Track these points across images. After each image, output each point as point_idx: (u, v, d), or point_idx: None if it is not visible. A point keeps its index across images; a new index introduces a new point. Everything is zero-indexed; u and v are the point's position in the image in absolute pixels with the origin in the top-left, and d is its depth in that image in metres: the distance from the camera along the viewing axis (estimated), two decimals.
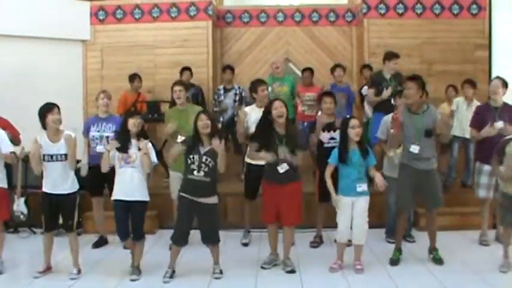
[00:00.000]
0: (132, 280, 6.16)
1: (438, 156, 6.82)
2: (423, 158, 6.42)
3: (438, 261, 6.56)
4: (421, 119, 6.40)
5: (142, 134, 6.28)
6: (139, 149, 6.14)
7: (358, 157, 6.22)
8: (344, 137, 6.29)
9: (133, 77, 9.56)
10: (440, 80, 9.55)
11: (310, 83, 9.59)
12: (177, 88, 7.38)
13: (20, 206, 8.23)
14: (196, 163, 5.99)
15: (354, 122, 6.26)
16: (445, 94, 9.21)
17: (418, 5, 10.17)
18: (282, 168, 6.13)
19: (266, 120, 6.25)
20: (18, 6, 9.79)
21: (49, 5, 10.07)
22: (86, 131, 7.47)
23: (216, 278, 6.15)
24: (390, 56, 8.49)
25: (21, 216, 8.23)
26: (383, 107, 8.25)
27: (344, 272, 6.31)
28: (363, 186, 6.24)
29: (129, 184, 6.16)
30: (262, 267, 6.38)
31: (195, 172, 5.99)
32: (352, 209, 6.29)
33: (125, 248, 6.66)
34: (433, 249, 6.67)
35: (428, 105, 6.57)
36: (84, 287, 6.06)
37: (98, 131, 7.37)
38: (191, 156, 6.02)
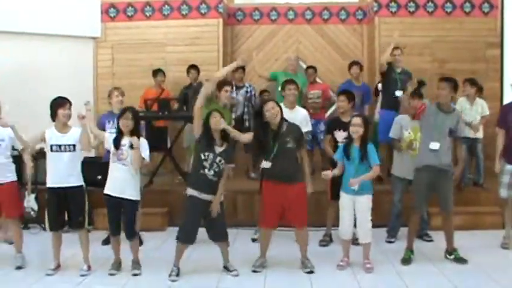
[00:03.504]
0: (135, 275, 6.21)
1: None
2: (443, 158, 6.41)
3: (461, 260, 6.54)
4: (448, 119, 6.41)
5: (136, 131, 6.24)
6: (131, 147, 6.11)
7: (357, 155, 6.22)
8: (349, 133, 6.34)
9: (156, 72, 9.60)
10: None
11: (314, 80, 9.58)
12: (227, 88, 7.40)
13: (30, 202, 8.28)
14: (209, 161, 6.00)
15: (354, 120, 6.31)
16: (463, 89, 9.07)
17: (430, 3, 10.13)
18: (267, 164, 6.16)
19: (260, 120, 6.25)
20: (30, 4, 9.86)
21: (60, 2, 10.14)
22: (102, 126, 7.49)
23: (234, 276, 6.16)
24: (394, 47, 8.68)
25: (32, 213, 8.29)
26: (390, 104, 8.24)
27: (353, 270, 6.30)
28: (355, 186, 6.21)
29: (120, 181, 6.16)
30: (254, 271, 6.31)
31: (206, 170, 6.00)
32: (355, 208, 6.30)
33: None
34: (452, 250, 6.64)
35: (455, 107, 6.57)
36: (94, 283, 6.07)
37: (115, 128, 7.38)
38: (206, 153, 6.02)
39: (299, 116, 7.14)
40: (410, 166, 6.88)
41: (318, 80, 9.86)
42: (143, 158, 6.20)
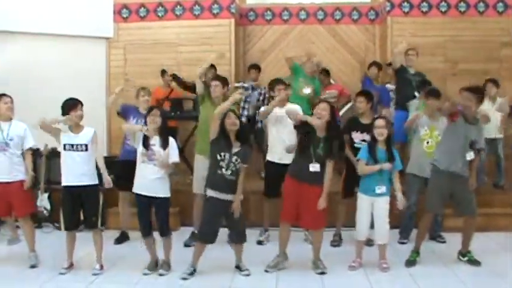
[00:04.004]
0: (161, 274, 6.23)
1: None
2: (462, 165, 6.39)
3: (475, 262, 6.51)
4: (473, 129, 6.37)
5: (165, 131, 6.29)
6: (162, 147, 6.15)
7: (383, 158, 6.20)
8: (372, 135, 6.32)
9: (164, 72, 9.63)
10: (464, 79, 9.43)
11: (328, 83, 9.54)
12: (213, 83, 7.37)
13: (43, 201, 8.34)
14: (226, 161, 6.02)
15: (378, 122, 6.32)
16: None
17: (443, 3, 10.06)
18: (314, 167, 6.09)
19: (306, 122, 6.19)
20: (43, 5, 9.92)
21: (73, 3, 10.16)
22: (124, 113, 7.49)
23: (246, 275, 6.19)
24: (408, 48, 8.78)
25: (45, 212, 8.35)
26: (403, 105, 8.22)
27: (366, 271, 6.29)
28: (382, 188, 6.24)
29: (151, 180, 6.18)
30: (266, 271, 6.32)
31: (223, 170, 6.02)
32: (372, 210, 6.29)
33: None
34: (466, 252, 6.60)
35: (478, 117, 6.51)
36: (107, 282, 6.10)
37: None
38: (222, 154, 6.03)
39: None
40: (427, 163, 6.85)
41: (332, 81, 9.78)
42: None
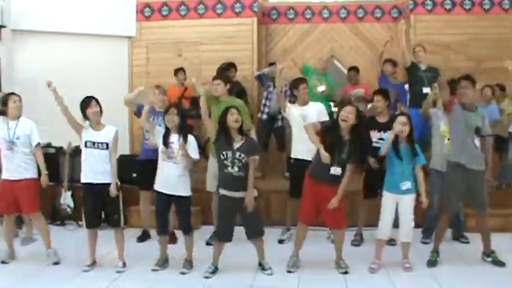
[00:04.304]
0: (182, 273, 6.25)
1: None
2: (473, 156, 6.31)
3: (499, 263, 6.44)
4: (473, 116, 6.32)
5: (184, 129, 6.31)
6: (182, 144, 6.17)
7: (406, 155, 6.16)
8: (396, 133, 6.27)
9: (177, 71, 9.65)
10: (488, 78, 9.37)
11: (356, 81, 9.49)
12: (215, 82, 7.40)
13: (66, 199, 8.40)
14: (230, 159, 6.01)
15: (400, 119, 6.26)
16: (481, 95, 8.91)
17: (467, 0, 9.98)
18: (335, 171, 6.05)
19: (334, 124, 6.17)
20: (66, 4, 10.00)
21: (96, 2, 10.24)
22: (140, 113, 7.54)
23: (268, 275, 6.18)
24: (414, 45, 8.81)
25: (68, 210, 8.41)
26: (417, 102, 8.15)
27: (388, 271, 6.25)
28: (407, 185, 6.18)
29: (171, 179, 6.22)
30: (288, 272, 6.28)
31: (229, 168, 6.01)
32: (398, 207, 6.25)
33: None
34: (490, 252, 6.52)
35: (476, 105, 6.52)
36: (129, 280, 6.14)
37: (159, 125, 7.41)
38: (224, 152, 6.03)
39: (315, 110, 7.16)
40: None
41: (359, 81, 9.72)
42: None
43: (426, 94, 7.92)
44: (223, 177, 6.11)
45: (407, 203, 6.23)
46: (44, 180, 6.73)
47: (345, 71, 10.24)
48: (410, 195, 6.23)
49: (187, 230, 6.35)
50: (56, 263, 6.62)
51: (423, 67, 8.55)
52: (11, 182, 6.60)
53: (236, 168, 6.00)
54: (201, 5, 10.43)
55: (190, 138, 6.29)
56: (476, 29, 9.96)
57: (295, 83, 7.42)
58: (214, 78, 7.49)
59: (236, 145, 6.05)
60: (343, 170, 6.05)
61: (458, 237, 7.44)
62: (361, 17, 10.75)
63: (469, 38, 9.96)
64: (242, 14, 10.34)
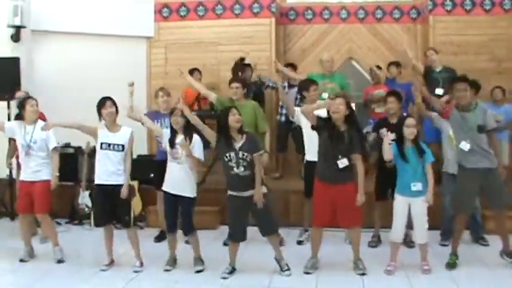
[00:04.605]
0: (198, 271, 6.28)
1: None
2: (481, 155, 6.25)
3: None
4: (472, 116, 6.27)
5: (189, 129, 6.30)
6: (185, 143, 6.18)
7: (413, 156, 6.13)
8: (399, 135, 6.23)
9: (192, 71, 9.64)
10: (509, 78, 9.30)
11: (377, 81, 9.43)
12: (234, 85, 7.42)
13: (84, 199, 8.44)
14: (234, 160, 6.00)
15: (409, 121, 6.21)
16: (491, 96, 8.89)
17: (487, 1, 9.89)
18: (342, 163, 6.04)
19: (328, 119, 6.18)
20: (84, 5, 10.06)
21: (115, 3, 10.29)
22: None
23: (287, 276, 6.14)
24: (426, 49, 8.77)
25: (86, 209, 8.45)
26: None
27: (407, 273, 6.19)
28: (417, 186, 6.14)
29: (176, 179, 6.28)
30: (306, 273, 6.25)
31: (235, 169, 6.00)
32: (411, 210, 6.21)
33: (186, 242, 6.77)
34: (510, 253, 6.43)
35: (476, 101, 6.46)
36: (147, 279, 6.16)
37: (166, 127, 7.43)
38: (227, 154, 6.02)
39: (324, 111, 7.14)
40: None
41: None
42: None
43: (439, 95, 7.90)
44: (229, 179, 6.10)
45: (419, 205, 6.17)
46: (54, 182, 6.79)
47: (363, 72, 10.20)
48: (422, 197, 6.17)
49: (189, 231, 6.38)
50: (60, 261, 6.68)
51: (438, 69, 8.51)
52: (28, 183, 6.71)
53: (242, 168, 5.99)
54: (219, 6, 10.44)
55: (196, 138, 6.30)
56: (497, 30, 9.86)
57: (305, 85, 7.37)
58: (233, 81, 7.49)
59: (238, 145, 6.03)
60: (350, 161, 6.05)
61: (478, 239, 7.37)
62: (379, 18, 10.69)
63: (489, 39, 9.87)
64: (260, 14, 10.34)
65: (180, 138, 6.24)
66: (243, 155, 6.00)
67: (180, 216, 6.36)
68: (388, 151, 6.18)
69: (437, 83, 8.37)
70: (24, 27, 9.30)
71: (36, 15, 9.58)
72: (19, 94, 7.84)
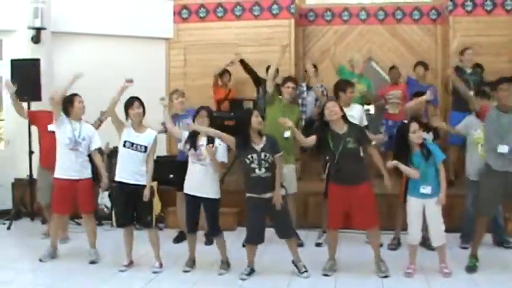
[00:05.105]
0: (220, 274, 6.27)
1: None
2: (510, 159, 6.18)
3: None
4: (510, 118, 6.19)
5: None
6: (208, 144, 6.16)
7: (421, 159, 6.07)
8: (402, 141, 6.19)
9: (222, 73, 9.68)
10: None
11: (396, 81, 9.39)
12: (290, 85, 7.41)
13: (104, 199, 8.48)
14: (256, 161, 5.99)
15: (414, 126, 6.11)
16: None
17: (508, 1, 9.80)
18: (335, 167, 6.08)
19: (323, 126, 6.21)
20: (104, 6, 10.12)
21: (134, 4, 10.34)
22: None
23: (305, 278, 6.12)
24: (464, 48, 8.62)
25: (105, 209, 8.49)
26: (461, 106, 8.03)
27: (426, 276, 6.13)
28: (427, 189, 6.06)
29: (200, 181, 6.24)
30: (324, 275, 6.21)
31: (257, 170, 5.99)
32: (425, 212, 6.14)
33: (206, 243, 6.78)
34: None
35: None
36: (166, 280, 6.17)
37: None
38: (249, 156, 6.00)
39: (358, 112, 7.15)
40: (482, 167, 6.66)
41: (401, 80, 9.60)
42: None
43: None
44: (250, 181, 6.08)
45: (432, 207, 6.10)
46: (105, 182, 6.94)
47: (383, 73, 10.16)
48: (435, 198, 6.09)
49: (216, 233, 6.35)
50: (93, 262, 6.70)
51: (468, 70, 8.45)
52: (71, 182, 6.69)
53: (263, 170, 5.98)
54: (238, 7, 10.46)
55: (218, 141, 6.28)
56: None
57: (343, 86, 7.31)
58: (288, 80, 7.49)
59: (259, 146, 6.04)
60: (359, 158, 6.12)
61: (501, 242, 7.28)
62: (399, 19, 10.64)
63: (510, 40, 9.80)
64: (279, 15, 10.34)
65: (203, 139, 6.23)
66: (265, 156, 6.00)
67: (206, 219, 6.35)
68: (411, 171, 6.12)
69: (468, 84, 8.29)
70: (44, 29, 9.36)
71: (56, 17, 9.63)
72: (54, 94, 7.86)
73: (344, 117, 6.16)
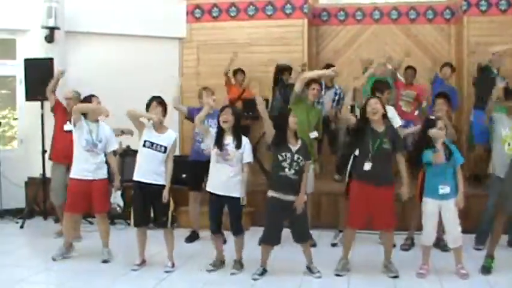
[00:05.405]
0: (232, 274, 6.26)
1: None
2: None
3: None
4: None
5: (238, 130, 6.29)
6: (236, 147, 6.15)
7: (430, 155, 6.01)
8: (423, 137, 6.14)
9: (236, 72, 9.67)
10: None
11: (410, 82, 9.33)
12: (316, 86, 7.43)
13: (116, 198, 8.46)
14: (289, 161, 5.97)
15: (441, 123, 6.08)
16: None
17: None
18: (368, 166, 6.02)
19: (361, 121, 6.18)
20: (117, 6, 10.13)
21: (147, 4, 10.35)
22: (191, 115, 7.47)
23: (317, 278, 6.11)
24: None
25: (118, 209, 8.47)
26: (483, 103, 7.97)
27: (439, 277, 6.10)
28: (445, 189, 6.02)
29: (226, 181, 6.19)
30: (337, 275, 6.18)
31: (287, 170, 5.97)
32: (441, 213, 6.11)
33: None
34: None
35: None
36: (178, 280, 6.16)
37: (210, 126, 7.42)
38: (283, 154, 5.98)
39: (391, 113, 7.08)
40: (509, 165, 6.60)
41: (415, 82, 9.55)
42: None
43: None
44: (277, 179, 6.06)
45: (449, 208, 6.06)
46: (117, 185, 7.04)
47: (397, 74, 10.11)
48: (452, 200, 6.05)
49: (238, 231, 6.33)
50: (105, 261, 6.70)
51: (496, 71, 8.40)
52: (86, 182, 6.71)
53: (293, 171, 5.96)
54: (251, 6, 10.45)
55: (245, 139, 6.29)
56: None
57: (381, 88, 7.27)
58: (313, 81, 7.44)
59: (295, 147, 6.03)
60: (389, 162, 6.07)
61: None
62: (412, 19, 10.60)
63: None
64: (292, 15, 10.33)
65: (228, 139, 6.22)
66: (298, 158, 5.99)
67: (229, 217, 6.32)
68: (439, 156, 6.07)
69: (493, 83, 8.22)
70: (58, 28, 9.38)
71: (70, 16, 9.66)
72: (69, 95, 7.89)
73: (384, 116, 6.13)
